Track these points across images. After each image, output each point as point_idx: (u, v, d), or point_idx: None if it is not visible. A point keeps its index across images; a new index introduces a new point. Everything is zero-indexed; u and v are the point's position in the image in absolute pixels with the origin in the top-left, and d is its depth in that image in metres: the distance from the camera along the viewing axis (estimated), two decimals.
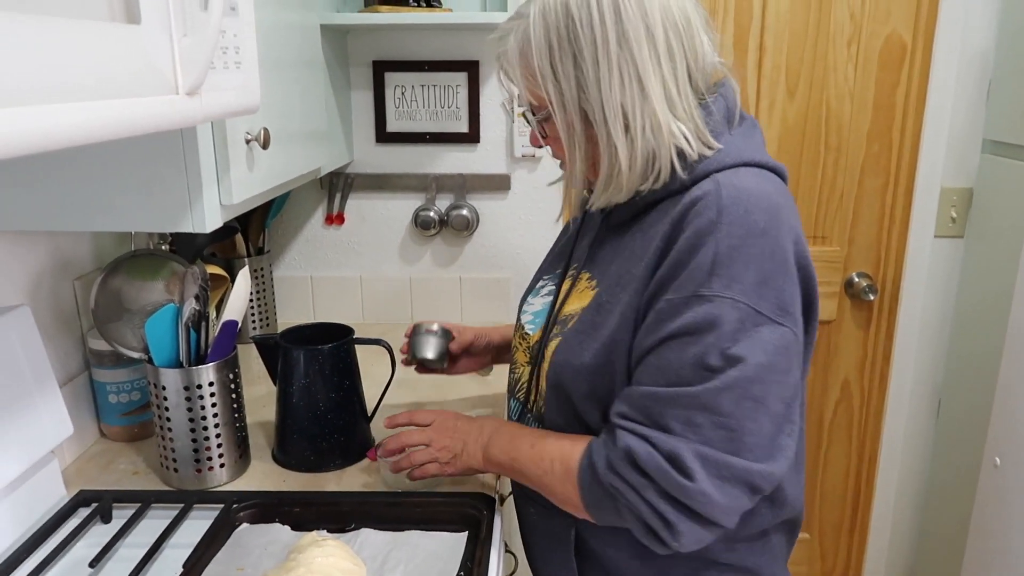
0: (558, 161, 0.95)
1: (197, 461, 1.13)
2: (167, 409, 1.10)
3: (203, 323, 1.12)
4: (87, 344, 1.28)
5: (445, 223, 1.84)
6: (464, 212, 1.82)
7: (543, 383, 0.95)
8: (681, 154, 0.83)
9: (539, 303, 1.05)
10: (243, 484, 1.16)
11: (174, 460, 1.13)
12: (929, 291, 1.89)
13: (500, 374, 1.62)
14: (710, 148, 0.84)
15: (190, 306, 1.10)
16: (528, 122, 0.94)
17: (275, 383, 1.21)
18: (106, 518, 1.06)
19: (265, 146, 1.05)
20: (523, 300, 1.10)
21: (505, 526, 1.13)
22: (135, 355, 1.22)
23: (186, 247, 1.41)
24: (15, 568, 0.95)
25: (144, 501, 1.08)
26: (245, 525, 1.06)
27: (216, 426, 1.12)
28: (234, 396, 1.15)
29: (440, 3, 1.64)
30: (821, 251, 1.91)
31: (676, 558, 0.88)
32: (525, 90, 0.89)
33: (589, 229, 1.02)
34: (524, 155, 1.80)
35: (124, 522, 1.03)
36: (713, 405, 0.77)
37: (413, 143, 1.81)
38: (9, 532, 1.01)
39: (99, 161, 0.93)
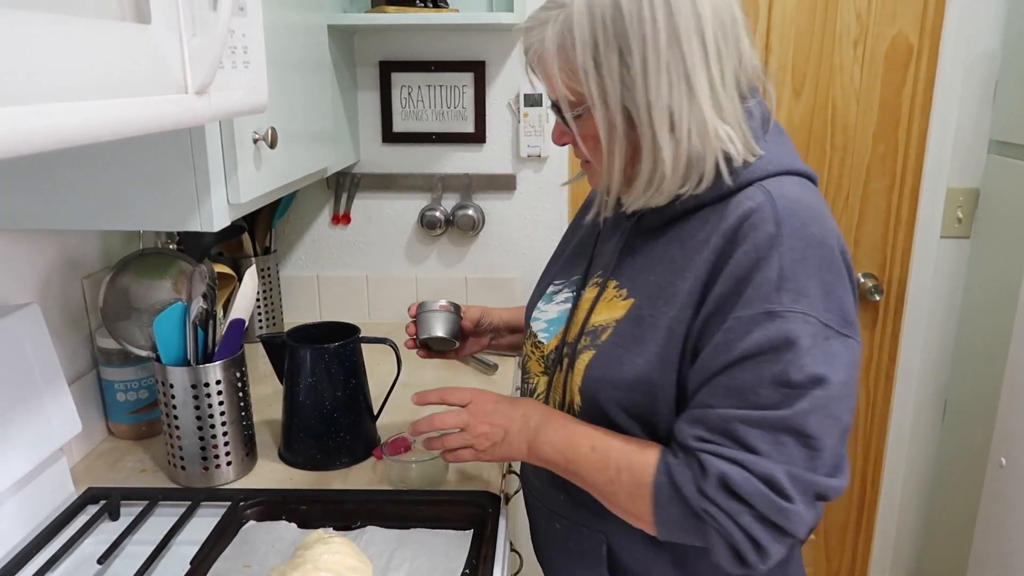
0: (580, 160, 0.90)
1: (204, 459, 1.13)
2: (175, 407, 1.11)
3: (210, 322, 1.13)
4: (95, 342, 1.29)
5: (451, 223, 1.84)
6: (470, 212, 1.82)
7: (572, 395, 0.91)
8: (727, 159, 0.80)
9: (554, 310, 1.00)
10: (250, 482, 1.17)
11: (181, 458, 1.13)
12: (935, 291, 1.88)
13: (504, 373, 1.62)
14: (753, 154, 0.81)
15: (198, 305, 1.10)
16: (563, 119, 0.86)
17: (282, 382, 1.22)
18: (114, 515, 1.07)
19: (272, 145, 1.05)
20: (532, 306, 1.05)
21: (510, 525, 1.13)
22: (143, 353, 1.23)
23: (194, 246, 1.42)
24: (24, 564, 0.96)
25: (152, 498, 1.09)
26: (252, 523, 1.07)
27: (223, 424, 1.13)
28: (241, 394, 1.16)
29: (447, 3, 1.64)
30: None
31: (717, 570, 0.84)
32: (561, 84, 0.82)
33: (614, 233, 0.96)
34: (530, 155, 1.80)
35: (132, 519, 1.04)
36: (800, 426, 0.75)
37: (419, 143, 1.82)
38: (18, 529, 1.02)
39: (107, 160, 0.94)
